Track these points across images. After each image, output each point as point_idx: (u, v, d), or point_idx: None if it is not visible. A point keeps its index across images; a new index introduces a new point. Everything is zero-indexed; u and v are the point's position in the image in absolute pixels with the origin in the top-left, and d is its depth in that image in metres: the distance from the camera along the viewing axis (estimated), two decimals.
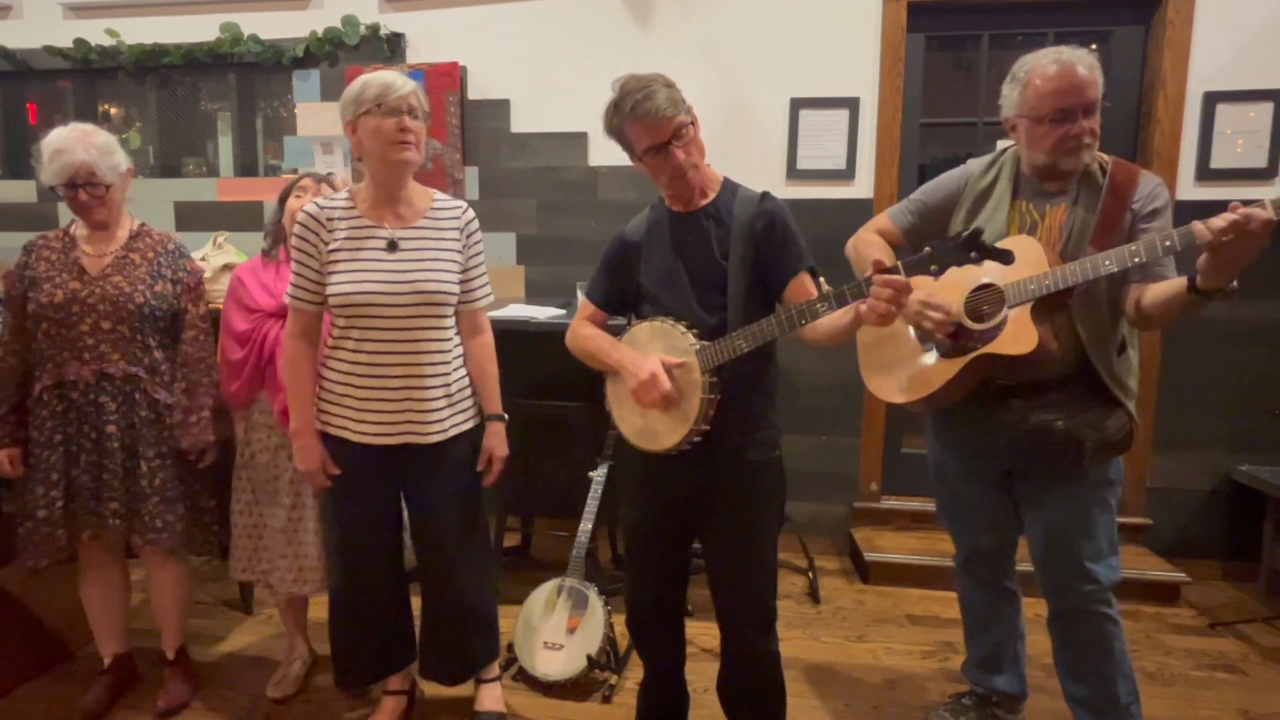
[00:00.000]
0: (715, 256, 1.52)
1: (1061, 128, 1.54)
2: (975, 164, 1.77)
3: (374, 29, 3.13)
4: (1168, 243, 1.41)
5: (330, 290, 1.69)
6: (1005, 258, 1.24)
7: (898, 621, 2.64)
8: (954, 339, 1.63)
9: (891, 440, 3.17)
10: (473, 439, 1.86)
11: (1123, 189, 1.57)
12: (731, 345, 1.45)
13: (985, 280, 1.60)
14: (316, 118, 3.25)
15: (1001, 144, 1.80)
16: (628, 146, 1.54)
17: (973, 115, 3.02)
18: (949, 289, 1.62)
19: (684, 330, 1.51)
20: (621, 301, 1.68)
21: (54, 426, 1.88)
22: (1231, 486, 2.91)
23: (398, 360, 1.71)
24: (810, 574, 2.87)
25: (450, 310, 1.77)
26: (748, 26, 3.00)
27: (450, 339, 1.79)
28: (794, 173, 3.02)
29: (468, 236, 1.81)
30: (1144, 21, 2.88)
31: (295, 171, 2.06)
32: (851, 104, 2.96)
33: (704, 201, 1.57)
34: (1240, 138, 2.79)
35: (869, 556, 2.92)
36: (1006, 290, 1.57)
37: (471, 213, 1.84)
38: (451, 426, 1.79)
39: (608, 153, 3.09)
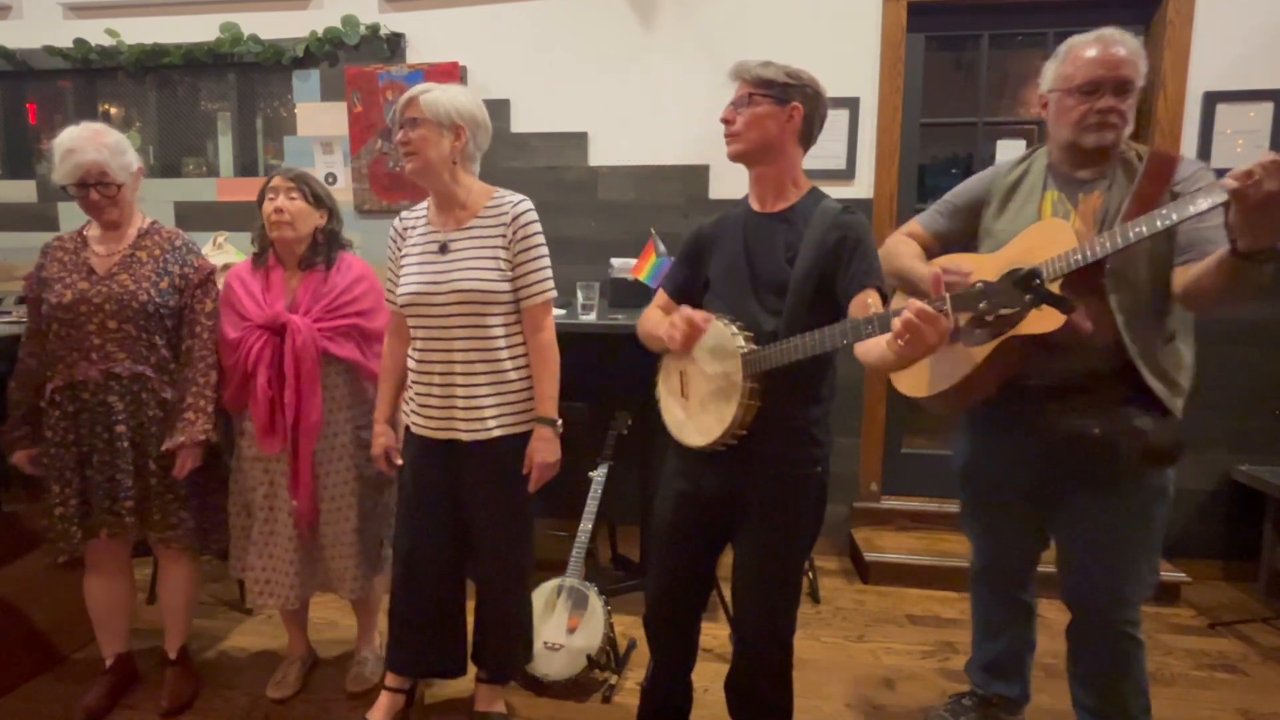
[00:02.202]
0: (782, 261, 1.51)
1: (1088, 101, 1.51)
2: (1005, 161, 1.75)
3: (374, 29, 3.13)
4: (1200, 199, 1.31)
5: (396, 292, 1.83)
6: (1064, 305, 1.19)
7: (898, 621, 2.64)
8: (984, 326, 1.58)
9: (891, 440, 3.17)
10: (521, 442, 1.83)
11: (1160, 171, 1.50)
12: (776, 355, 1.43)
13: (1014, 266, 1.52)
14: (316, 118, 3.25)
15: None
16: None
17: (973, 115, 3.01)
18: (981, 275, 1.54)
19: (735, 331, 1.49)
20: (692, 293, 1.68)
21: (66, 426, 1.89)
22: (1231, 486, 2.91)
23: (439, 359, 1.77)
24: (810, 574, 2.87)
25: (496, 310, 1.77)
26: (748, 26, 3.00)
27: (497, 339, 1.77)
28: None
29: (515, 232, 1.77)
30: (1144, 21, 2.88)
31: (289, 170, 2.05)
32: (851, 104, 2.96)
33: (783, 205, 1.56)
34: (1240, 138, 2.79)
35: (869, 556, 2.92)
36: (1038, 269, 1.51)
37: (523, 207, 1.80)
38: (498, 427, 1.79)
39: (608, 153, 3.12)
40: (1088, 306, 1.49)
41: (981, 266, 1.59)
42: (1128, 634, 1.63)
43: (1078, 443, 1.54)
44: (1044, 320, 1.44)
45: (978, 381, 1.59)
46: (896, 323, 1.21)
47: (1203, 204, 1.31)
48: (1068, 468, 1.59)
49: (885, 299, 1.46)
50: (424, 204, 1.87)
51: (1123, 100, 1.51)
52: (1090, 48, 1.52)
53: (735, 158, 1.56)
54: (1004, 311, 1.15)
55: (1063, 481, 1.63)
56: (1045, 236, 1.53)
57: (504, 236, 1.77)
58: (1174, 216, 1.34)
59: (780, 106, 1.50)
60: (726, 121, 1.54)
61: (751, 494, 1.54)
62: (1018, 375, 1.58)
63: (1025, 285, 1.12)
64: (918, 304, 1.18)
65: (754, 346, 1.47)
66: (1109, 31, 1.53)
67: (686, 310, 1.49)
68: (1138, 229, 1.38)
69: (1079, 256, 1.44)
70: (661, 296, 1.74)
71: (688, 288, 1.68)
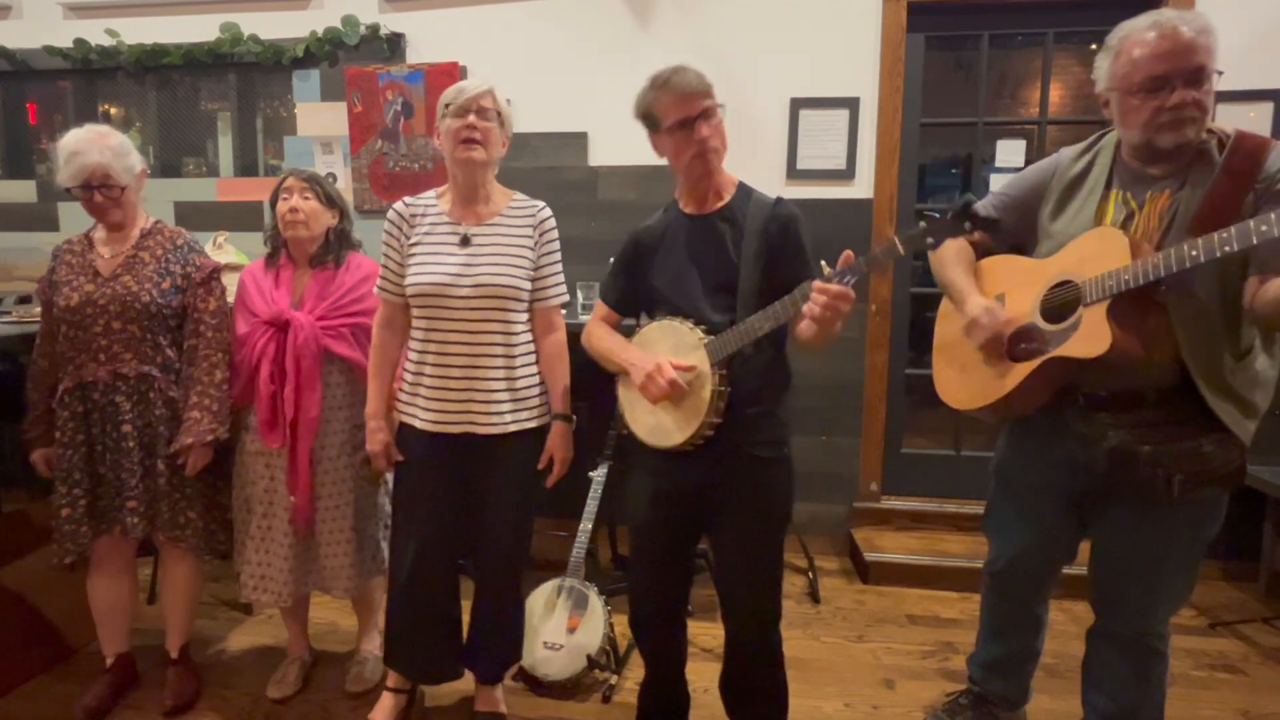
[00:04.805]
0: (729, 256, 1.53)
1: (1156, 99, 1.34)
2: (1067, 151, 1.59)
3: (374, 29, 3.13)
4: (1263, 227, 1.17)
5: (406, 281, 1.78)
6: (993, 227, 1.22)
7: (898, 621, 2.64)
8: (1026, 341, 1.53)
9: (891, 440, 3.17)
10: (537, 437, 1.85)
11: (1245, 165, 1.30)
12: (736, 336, 1.46)
13: (1063, 277, 1.47)
14: (316, 118, 3.25)
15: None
16: (654, 124, 1.55)
17: (973, 115, 3.01)
18: (1023, 287, 1.52)
19: (691, 327, 1.52)
20: (634, 302, 1.69)
21: (75, 427, 1.90)
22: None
23: (462, 351, 1.76)
24: (810, 574, 2.87)
25: (519, 307, 1.79)
26: (748, 26, 3.00)
27: (517, 336, 1.79)
28: (794, 173, 3.02)
29: (541, 235, 1.82)
30: None
31: (300, 170, 2.05)
32: (851, 104, 2.96)
33: (719, 204, 1.58)
34: None
35: (869, 556, 2.92)
36: (1083, 287, 1.42)
37: (548, 212, 1.85)
38: (514, 422, 1.80)
39: (608, 153, 3.12)
40: (1146, 324, 1.38)
41: (1031, 276, 1.54)
42: (1154, 648, 1.60)
43: (1126, 459, 1.44)
44: (1089, 344, 1.41)
45: (1022, 396, 1.55)
46: (814, 307, 1.31)
47: (1267, 230, 1.17)
48: (1114, 481, 1.49)
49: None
50: (429, 194, 1.85)
51: (1199, 89, 1.32)
52: (1147, 36, 1.34)
53: (713, 171, 1.56)
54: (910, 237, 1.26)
55: (1108, 493, 1.54)
56: (1099, 247, 1.42)
57: (530, 238, 1.80)
58: (1236, 243, 1.21)
59: (719, 113, 1.53)
60: (704, 140, 1.50)
61: (725, 483, 1.56)
62: (1071, 384, 1.51)
63: (962, 214, 1.21)
64: (820, 285, 1.30)
65: (711, 337, 1.50)
66: (1168, 15, 1.35)
67: (669, 372, 1.48)
68: (1194, 252, 1.24)
69: (1128, 277, 1.33)
70: (602, 308, 1.74)
71: (629, 297, 1.69)
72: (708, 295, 1.54)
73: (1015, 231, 1.66)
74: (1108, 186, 1.49)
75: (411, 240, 1.80)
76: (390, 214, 1.83)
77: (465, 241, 1.76)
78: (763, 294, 1.51)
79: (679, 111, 1.49)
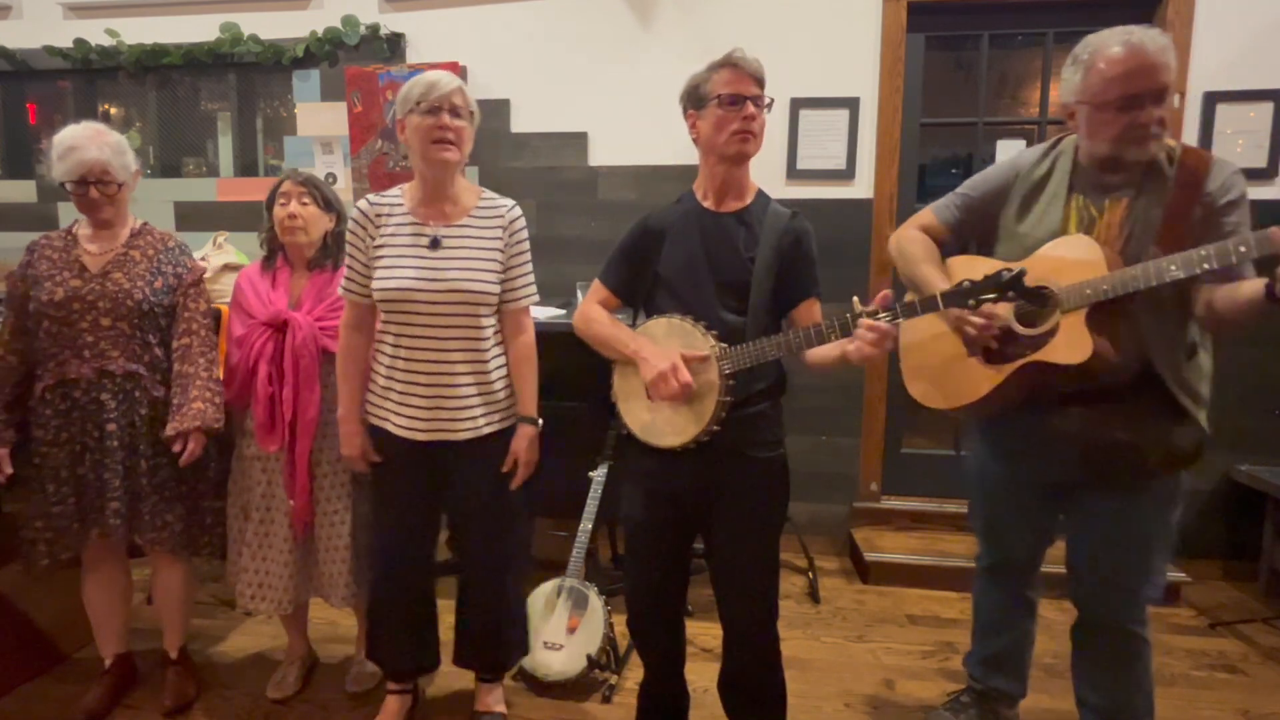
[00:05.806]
0: (743, 259, 1.53)
1: (1128, 115, 1.41)
2: (1028, 153, 1.65)
3: (374, 29, 3.14)
4: (1242, 248, 1.28)
5: (374, 285, 1.74)
6: (1041, 301, 1.27)
7: (898, 621, 2.64)
8: (1001, 344, 1.56)
9: (891, 440, 3.17)
10: (508, 439, 1.84)
11: (1193, 179, 1.43)
12: (753, 352, 1.46)
13: (1038, 283, 1.49)
14: (316, 118, 3.25)
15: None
16: (699, 100, 1.53)
17: (973, 115, 3.01)
18: None
19: (703, 332, 1.50)
20: (635, 289, 1.67)
21: (59, 425, 1.88)
22: (1231, 486, 2.90)
23: (430, 357, 1.74)
24: (810, 574, 2.87)
25: (488, 310, 1.77)
26: (748, 26, 3.00)
27: (487, 338, 1.78)
28: (794, 173, 3.02)
29: (510, 235, 1.79)
30: (1144, 22, 2.86)
31: (296, 173, 2.04)
32: (851, 104, 2.96)
33: (738, 205, 1.58)
34: (1240, 138, 2.79)
35: (869, 556, 2.92)
36: (1060, 295, 1.48)
37: (517, 211, 1.83)
38: (485, 425, 1.79)
39: (608, 153, 3.12)
40: (1116, 328, 1.46)
41: None
42: (1137, 633, 1.63)
43: (1103, 448, 1.52)
44: (1071, 352, 1.46)
45: (998, 397, 1.59)
46: (850, 345, 1.35)
47: (1246, 252, 1.29)
48: (1091, 470, 1.57)
49: (819, 300, 1.59)
50: (393, 192, 1.80)
51: (1162, 107, 1.41)
52: (1118, 53, 1.41)
53: (746, 159, 1.54)
54: (988, 298, 1.27)
55: (1084, 482, 1.61)
56: (1074, 256, 1.48)
57: (500, 239, 1.78)
58: (1215, 262, 1.31)
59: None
60: (750, 119, 1.49)
61: (723, 484, 1.56)
62: (1044, 382, 1.55)
63: (1010, 286, 1.24)
64: (868, 322, 1.32)
65: (724, 345, 1.49)
66: (1135, 33, 1.42)
67: (686, 376, 1.46)
68: (1173, 269, 1.34)
69: (1107, 288, 1.41)
70: (601, 291, 1.70)
71: (630, 283, 1.67)
72: (718, 293, 1.53)
73: (975, 228, 1.72)
74: (1069, 190, 1.55)
75: (377, 242, 1.76)
76: (354, 213, 1.78)
77: (435, 244, 1.74)
78: (772, 303, 1.53)
79: (735, 86, 1.48)
